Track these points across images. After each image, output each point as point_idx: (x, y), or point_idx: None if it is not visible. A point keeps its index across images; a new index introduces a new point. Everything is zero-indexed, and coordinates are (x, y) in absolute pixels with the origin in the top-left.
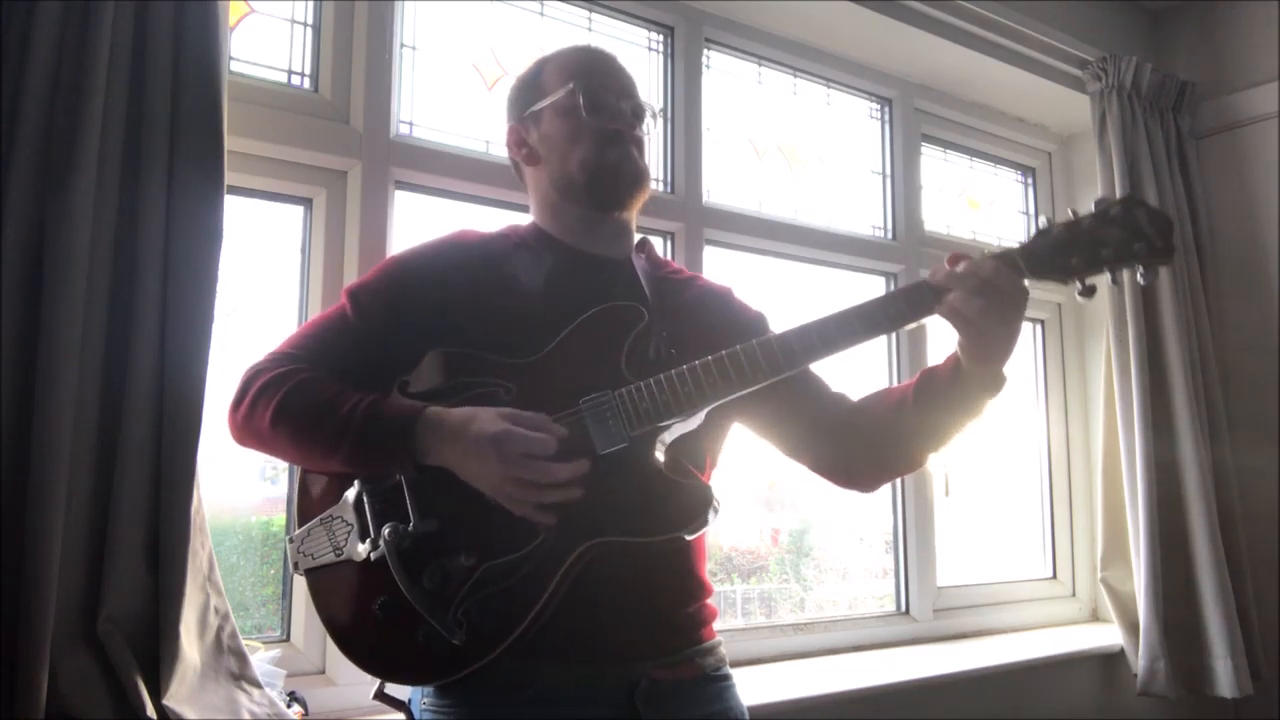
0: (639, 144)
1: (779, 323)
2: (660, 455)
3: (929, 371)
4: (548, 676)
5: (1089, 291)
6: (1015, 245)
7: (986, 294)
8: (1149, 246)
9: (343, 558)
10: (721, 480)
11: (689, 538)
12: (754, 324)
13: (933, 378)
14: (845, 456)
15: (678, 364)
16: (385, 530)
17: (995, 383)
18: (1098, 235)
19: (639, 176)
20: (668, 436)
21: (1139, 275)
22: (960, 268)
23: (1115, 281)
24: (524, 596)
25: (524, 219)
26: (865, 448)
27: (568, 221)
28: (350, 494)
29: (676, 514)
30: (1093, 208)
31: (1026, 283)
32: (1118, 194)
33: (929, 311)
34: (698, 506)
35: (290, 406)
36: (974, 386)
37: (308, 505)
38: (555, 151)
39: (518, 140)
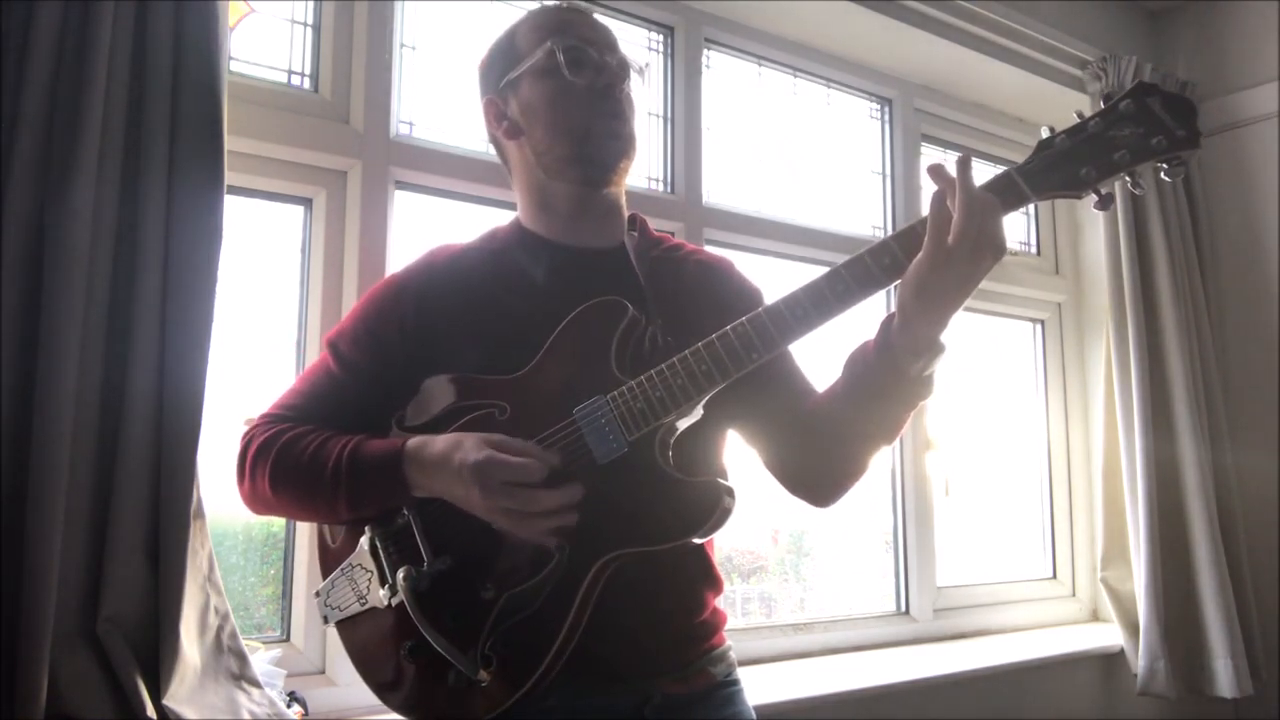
0: (629, 102)
1: None
2: (668, 455)
3: (860, 345)
4: (560, 693)
5: (1106, 201)
6: (1012, 165)
7: (974, 215)
8: (1169, 138)
9: (367, 606)
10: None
11: (708, 537)
12: (753, 297)
13: (862, 348)
14: (800, 461)
15: (674, 352)
16: (400, 574)
17: (928, 348)
18: (1108, 137)
19: (628, 142)
20: (670, 436)
21: (1162, 173)
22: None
23: (1136, 187)
24: (549, 621)
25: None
26: (814, 449)
27: (555, 207)
28: (364, 540)
29: (692, 515)
30: (1100, 104)
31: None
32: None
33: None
34: (712, 503)
35: (283, 470)
36: (904, 352)
37: (328, 557)
38: (539, 120)
39: (496, 113)
